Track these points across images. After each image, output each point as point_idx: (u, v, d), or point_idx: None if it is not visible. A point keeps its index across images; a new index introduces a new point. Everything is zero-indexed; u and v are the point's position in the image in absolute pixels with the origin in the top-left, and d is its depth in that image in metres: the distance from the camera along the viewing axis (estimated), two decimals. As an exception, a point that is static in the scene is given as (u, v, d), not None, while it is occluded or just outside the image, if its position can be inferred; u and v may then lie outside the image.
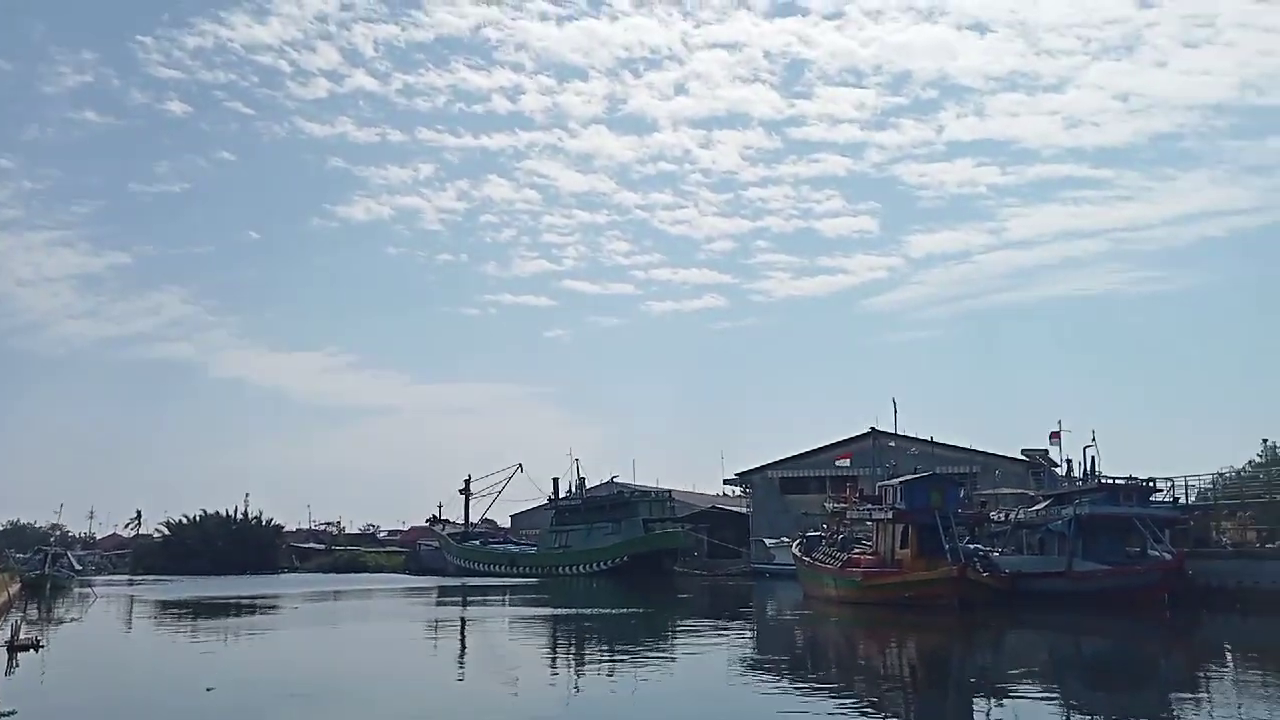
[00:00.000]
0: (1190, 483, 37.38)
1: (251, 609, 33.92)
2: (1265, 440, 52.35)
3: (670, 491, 68.60)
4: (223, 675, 15.77)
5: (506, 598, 39.70)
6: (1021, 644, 22.83)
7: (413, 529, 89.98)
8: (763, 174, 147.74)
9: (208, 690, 13.75)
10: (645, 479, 73.31)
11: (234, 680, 15.50)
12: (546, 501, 69.83)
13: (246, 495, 79.83)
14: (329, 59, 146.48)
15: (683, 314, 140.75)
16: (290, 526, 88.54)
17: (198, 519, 78.14)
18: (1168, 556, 30.55)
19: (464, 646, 22.10)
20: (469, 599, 38.89)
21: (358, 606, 36.30)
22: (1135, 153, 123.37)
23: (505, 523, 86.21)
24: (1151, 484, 34.90)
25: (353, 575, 67.32)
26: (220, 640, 24.18)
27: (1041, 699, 13.80)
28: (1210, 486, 39.78)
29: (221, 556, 71.75)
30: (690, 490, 78.95)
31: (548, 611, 31.70)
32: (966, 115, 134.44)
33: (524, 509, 79.57)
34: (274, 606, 35.13)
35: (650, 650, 20.68)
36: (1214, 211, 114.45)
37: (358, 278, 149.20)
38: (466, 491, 74.41)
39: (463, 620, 29.52)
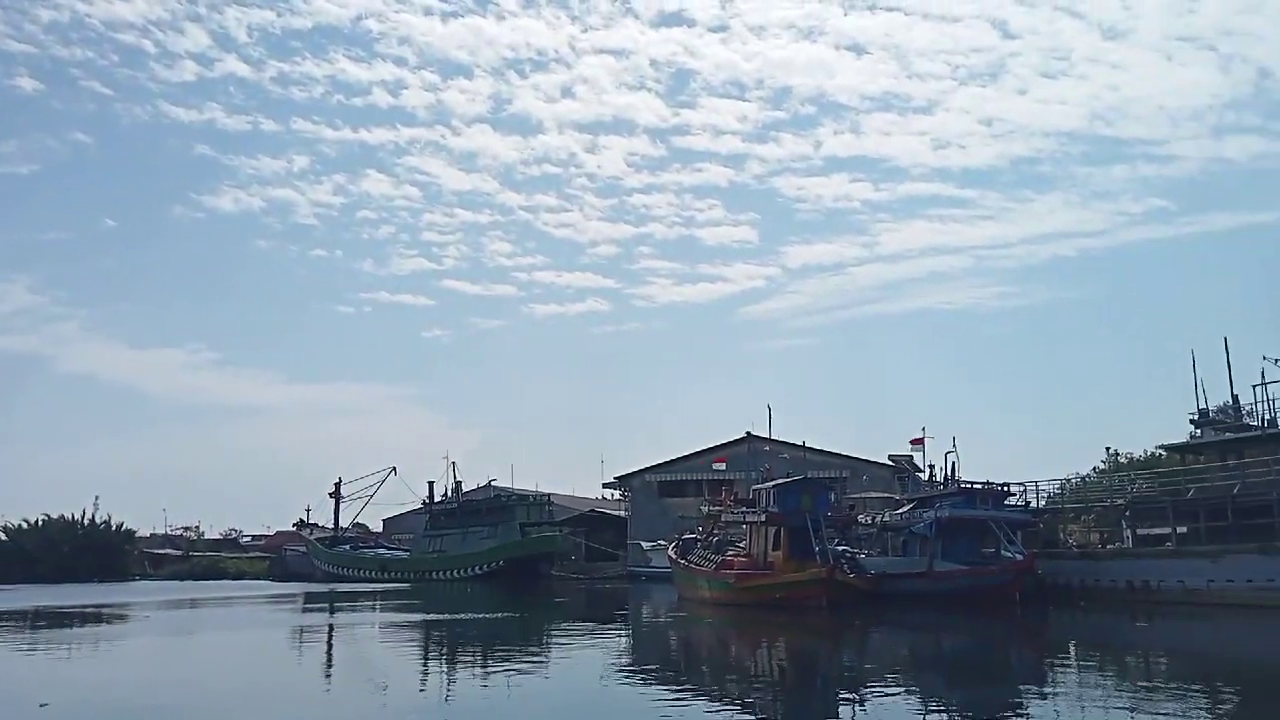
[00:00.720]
0: (1041, 487, 39.75)
1: (97, 618, 31.81)
2: (1108, 448, 56.26)
3: (549, 495, 68.28)
4: (60, 690, 14.67)
5: (377, 604, 38.55)
6: (885, 642, 23.62)
7: (278, 534, 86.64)
8: (647, 180, 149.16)
9: (41, 706, 12.73)
10: (524, 483, 72.76)
11: (72, 696, 14.43)
12: (421, 505, 68.36)
13: (96, 499, 75.20)
14: (198, 41, 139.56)
15: (566, 317, 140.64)
16: (144, 532, 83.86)
17: (40, 523, 73.18)
18: (1019, 557, 32.29)
19: (330, 655, 21.28)
20: (337, 605, 37.55)
21: (215, 615, 34.52)
22: (997, 175, 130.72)
23: (377, 527, 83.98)
24: (1006, 488, 36.89)
25: (211, 583, 64.05)
26: (59, 652, 22.50)
27: (902, 695, 14.27)
28: (1059, 491, 42.36)
29: (66, 563, 67.45)
30: (570, 494, 78.82)
31: (420, 617, 30.93)
32: (843, 132, 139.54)
33: (397, 513, 77.79)
34: (122, 615, 33.07)
35: (524, 654, 20.43)
36: (1066, 233, 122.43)
37: (224, 271, 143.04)
38: (337, 495, 72.13)
39: (330, 628, 28.45)
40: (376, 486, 70.48)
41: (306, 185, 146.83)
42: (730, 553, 35.71)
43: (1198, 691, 14.09)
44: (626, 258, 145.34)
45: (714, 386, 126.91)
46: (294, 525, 76.38)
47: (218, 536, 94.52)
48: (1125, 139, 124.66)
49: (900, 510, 38.26)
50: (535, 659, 19.79)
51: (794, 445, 48.37)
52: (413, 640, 24.46)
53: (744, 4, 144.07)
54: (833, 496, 36.36)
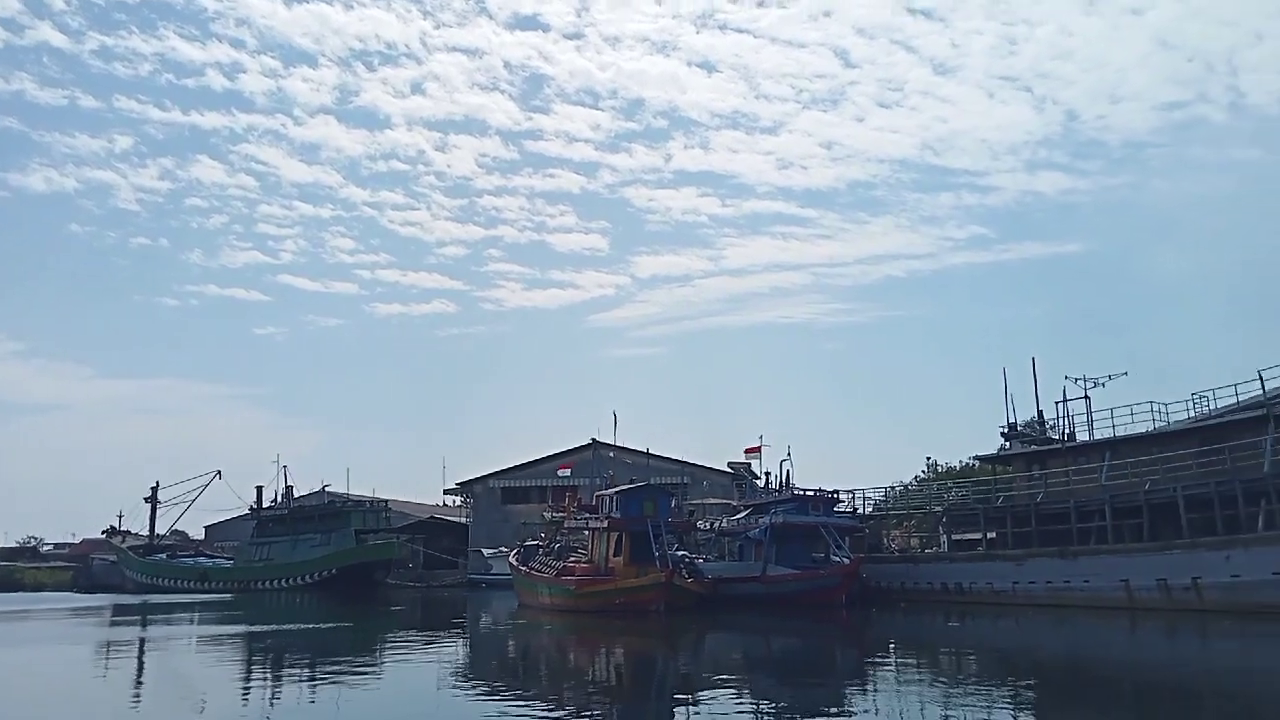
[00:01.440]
0: (868, 495, 41.91)
1: None
2: (929, 458, 59.88)
3: (387, 501, 66.26)
4: None
5: (195, 616, 36.27)
6: (720, 645, 24.22)
7: (85, 542, 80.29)
8: (498, 183, 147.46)
9: None
10: (361, 488, 70.36)
11: None
12: (248, 511, 64.93)
13: None
14: (7, 6, 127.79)
15: (410, 318, 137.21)
16: (-75, 539, 75.67)
17: None
18: (846, 561, 33.89)
19: (141, 671, 19.83)
20: (150, 618, 35.09)
21: (6, 630, 31.51)
22: (835, 196, 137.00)
23: (199, 535, 79.24)
24: (836, 495, 38.62)
25: (4, 595, 58.47)
26: None
27: (734, 696, 14.66)
28: (884, 499, 44.73)
29: None
30: (409, 500, 76.82)
31: (242, 629, 29.32)
32: (693, 147, 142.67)
33: (222, 519, 73.58)
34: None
35: (356, 665, 19.71)
36: (896, 254, 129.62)
37: (31, 256, 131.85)
38: (154, 500, 67.50)
39: (141, 641, 26.54)
40: (199, 491, 66.46)
41: (129, 168, 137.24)
42: (572, 559, 35.74)
43: (1000, 684, 15.21)
44: (475, 260, 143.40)
45: (561, 393, 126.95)
46: (104, 533, 70.87)
47: (14, 545, 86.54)
48: (952, 169, 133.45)
49: (737, 516, 39.43)
50: (367, 670, 19.14)
51: (638, 452, 48.97)
52: (234, 654, 23.14)
53: (599, 14, 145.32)
54: (674, 503, 37.03)
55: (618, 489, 34.41)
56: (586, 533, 35.59)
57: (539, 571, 36.03)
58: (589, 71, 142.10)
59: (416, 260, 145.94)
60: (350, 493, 68.13)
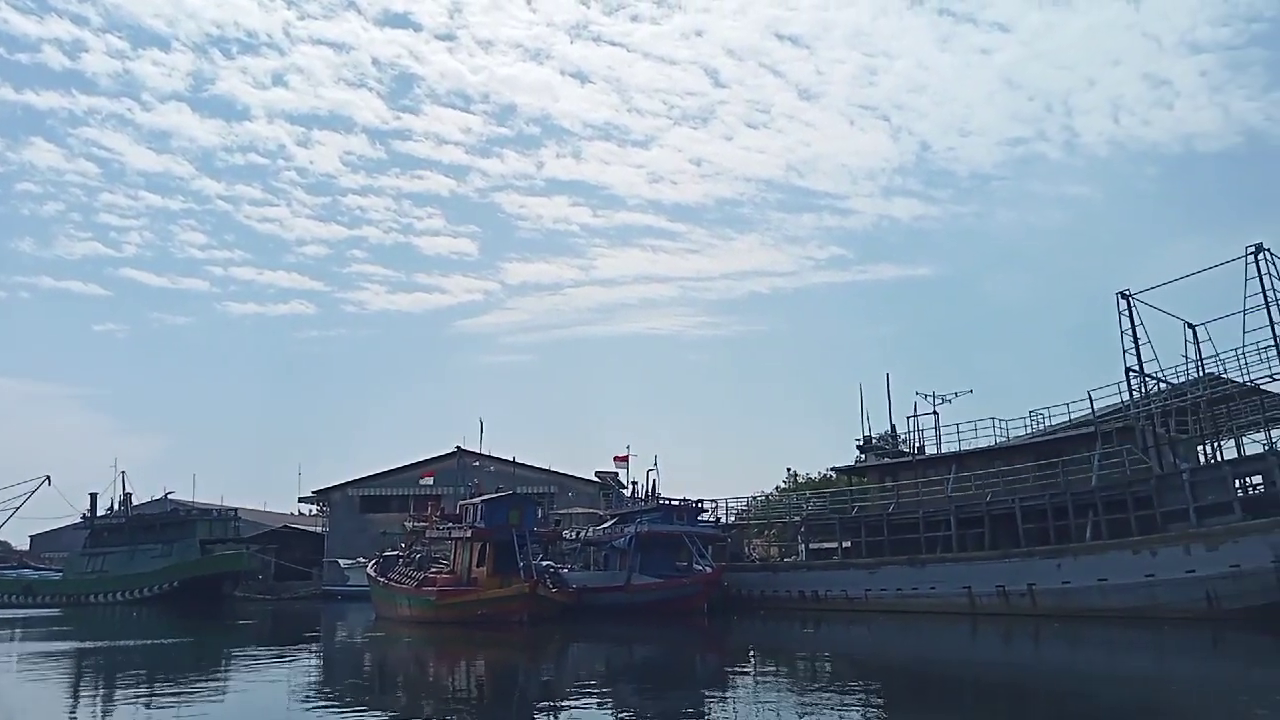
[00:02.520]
0: (730, 505, 42.79)
1: None
2: (789, 469, 61.82)
3: (236, 510, 63.17)
4: None
5: (17, 632, 33.47)
6: (583, 654, 24.15)
7: (-112, 553, 72.94)
8: (364, 182, 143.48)
9: None
10: (209, 495, 66.99)
11: None
12: (81, 520, 60.55)
13: None
14: None
15: (265, 318, 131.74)
16: None
17: None
18: (709, 570, 34.48)
19: (-52, 694, 18.12)
20: (-37, 636, 32.15)
21: None
22: (704, 212, 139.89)
23: (24, 545, 73.45)
24: (700, 505, 39.27)
25: None
26: None
27: (595, 705, 14.64)
28: (746, 508, 45.79)
29: None
30: (261, 509, 73.61)
31: (71, 646, 27.25)
32: (565, 156, 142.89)
33: (50, 529, 68.40)
34: None
35: (198, 682, 18.61)
36: (761, 271, 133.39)
37: None
38: (-29, 507, 61.94)
39: (-49, 662, 24.26)
40: (24, 498, 61.47)
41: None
42: (433, 569, 34.95)
43: (851, 687, 15.76)
44: (337, 260, 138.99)
45: (425, 399, 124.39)
46: (-89, 543, 64.78)
47: None
48: (814, 191, 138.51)
49: (603, 526, 39.50)
50: (210, 688, 18.11)
51: (504, 460, 48.47)
52: (61, 672, 21.46)
53: (472, 17, 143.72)
54: (540, 512, 36.77)
55: (482, 498, 33.89)
56: (449, 542, 34.88)
57: (398, 582, 35.05)
58: (461, 74, 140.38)
59: (274, 258, 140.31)
60: (196, 501, 64.71)
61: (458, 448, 47.36)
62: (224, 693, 17.17)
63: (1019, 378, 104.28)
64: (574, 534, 40.11)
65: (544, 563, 34.51)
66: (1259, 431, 32.43)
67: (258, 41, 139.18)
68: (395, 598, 34.52)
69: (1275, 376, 26.62)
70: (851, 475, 39.83)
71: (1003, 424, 34.77)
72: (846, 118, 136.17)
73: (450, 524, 35.21)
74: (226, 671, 21.23)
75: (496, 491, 35.95)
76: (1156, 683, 16.50)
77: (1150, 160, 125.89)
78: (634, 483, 42.24)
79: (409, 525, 41.53)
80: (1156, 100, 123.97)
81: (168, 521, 57.97)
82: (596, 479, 57.18)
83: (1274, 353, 25.97)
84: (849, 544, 35.78)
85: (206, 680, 19.36)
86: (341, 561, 55.23)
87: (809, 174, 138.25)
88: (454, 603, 30.70)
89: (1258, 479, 27.07)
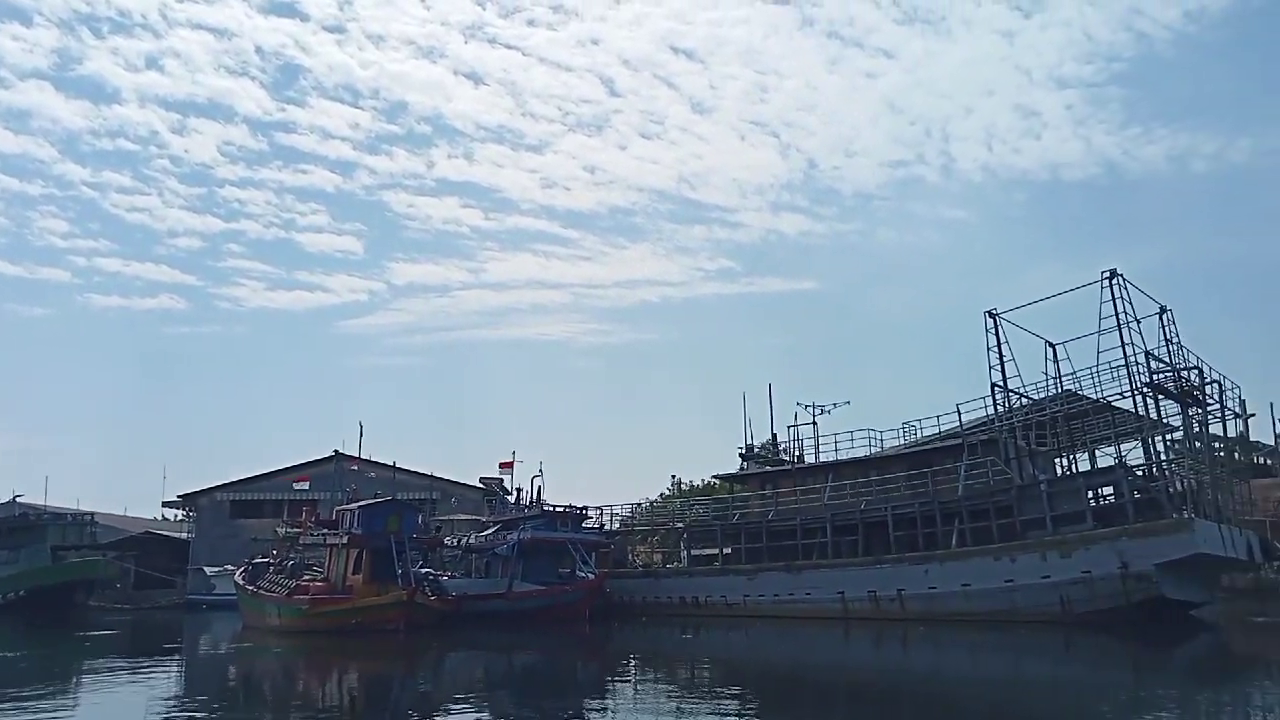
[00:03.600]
0: (616, 511, 42.94)
1: None
2: (674, 476, 62.49)
3: (93, 514, 59.59)
4: None
5: None
6: (461, 664, 23.75)
7: None
8: (243, 174, 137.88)
9: None
10: (62, 499, 62.99)
11: None
12: (-85, 524, 55.95)
13: None
14: None
15: (132, 312, 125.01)
16: None
17: None
18: (591, 577, 34.49)
19: None
20: None
21: None
22: (596, 219, 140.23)
23: None
24: (585, 511, 39.26)
25: None
26: None
27: (473, 713, 14.42)
28: (631, 515, 46.03)
29: None
30: (120, 514, 69.64)
31: (-103, 662, 25.10)
32: (457, 157, 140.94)
33: (-122, 534, 62.83)
34: None
35: (44, 699, 17.40)
36: (652, 280, 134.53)
37: None
38: None
39: None
40: None
41: None
42: (307, 577, 33.79)
43: (728, 692, 16.01)
44: (212, 254, 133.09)
45: (304, 402, 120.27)
46: None
47: None
48: (705, 203, 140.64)
49: (486, 532, 39.05)
50: (59, 705, 16.96)
51: (385, 465, 47.25)
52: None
53: (363, 10, 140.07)
54: (420, 518, 36.05)
55: (360, 504, 33.00)
56: (324, 549, 33.80)
57: (268, 591, 33.73)
58: (349, 68, 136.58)
59: (143, 250, 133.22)
60: (48, 504, 60.75)
61: (336, 452, 45.79)
62: (72, 711, 16.12)
63: (895, 390, 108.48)
64: (456, 541, 39.49)
65: (424, 570, 33.87)
66: (1110, 445, 34.70)
67: (131, 22, 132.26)
68: (264, 606, 33.21)
69: (1125, 394, 28.49)
70: (733, 483, 40.53)
71: (877, 435, 36.10)
72: (738, 133, 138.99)
73: (326, 530, 34.15)
74: (75, 688, 19.95)
75: (376, 497, 35.05)
76: (1013, 684, 17.39)
77: (1020, 187, 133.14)
78: (519, 489, 41.88)
79: (282, 531, 40.05)
80: (1026, 130, 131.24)
81: (15, 526, 54.36)
82: (481, 485, 56.45)
83: (1124, 372, 27.76)
84: (730, 550, 36.38)
85: (52, 698, 18.13)
86: (208, 569, 52.82)
87: (700, 186, 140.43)
88: (327, 611, 29.75)
89: (1108, 490, 28.86)
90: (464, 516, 49.74)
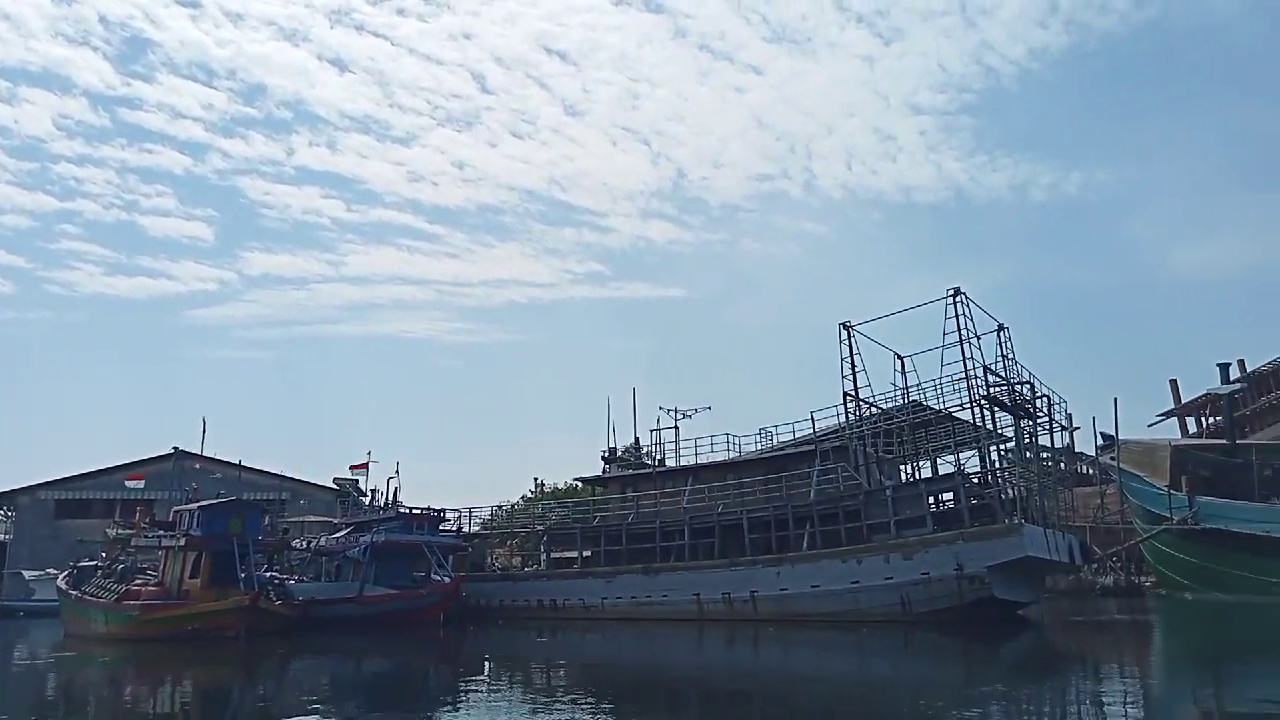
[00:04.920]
0: (475, 514, 42.32)
1: None
2: (536, 478, 62.18)
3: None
4: None
5: None
6: (306, 670, 22.82)
7: None
8: (81, 150, 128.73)
9: None
10: None
11: None
12: None
13: None
14: None
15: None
16: None
17: None
18: (446, 580, 33.85)
19: None
20: None
21: None
22: (464, 217, 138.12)
23: None
24: (442, 514, 38.49)
25: None
26: None
27: (316, 723, 13.87)
28: (490, 517, 45.48)
29: None
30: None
31: None
32: (318, 145, 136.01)
33: None
34: None
35: None
36: (520, 281, 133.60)
37: None
38: None
39: None
40: None
41: None
42: (138, 581, 31.72)
43: (581, 693, 15.98)
44: (44, 234, 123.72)
45: (142, 395, 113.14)
46: None
47: None
48: (575, 206, 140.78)
49: (337, 535, 37.75)
50: None
51: (229, 464, 45.04)
52: None
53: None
54: (268, 519, 34.47)
55: (200, 504, 31.25)
56: (159, 552, 31.82)
57: (95, 596, 31.47)
58: (204, 45, 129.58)
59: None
60: None
61: (175, 449, 43.26)
62: None
63: (754, 396, 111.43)
64: (306, 543, 37.98)
65: (269, 574, 32.43)
66: (950, 454, 36.73)
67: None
68: (90, 613, 30.97)
69: (965, 406, 30.21)
70: (595, 486, 40.63)
71: (736, 440, 36.96)
72: (609, 138, 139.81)
73: (161, 532, 32.18)
74: None
75: (219, 497, 33.28)
76: (856, 681, 18.11)
77: (876, 206, 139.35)
78: (374, 490, 40.67)
79: (112, 533, 37.51)
80: (883, 153, 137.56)
81: None
82: (334, 486, 54.53)
83: (965, 385, 29.48)
84: (590, 553, 36.43)
85: None
86: (26, 573, 48.91)
87: (571, 189, 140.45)
88: (160, 618, 28.02)
89: (948, 495, 30.50)
90: (315, 518, 47.95)
